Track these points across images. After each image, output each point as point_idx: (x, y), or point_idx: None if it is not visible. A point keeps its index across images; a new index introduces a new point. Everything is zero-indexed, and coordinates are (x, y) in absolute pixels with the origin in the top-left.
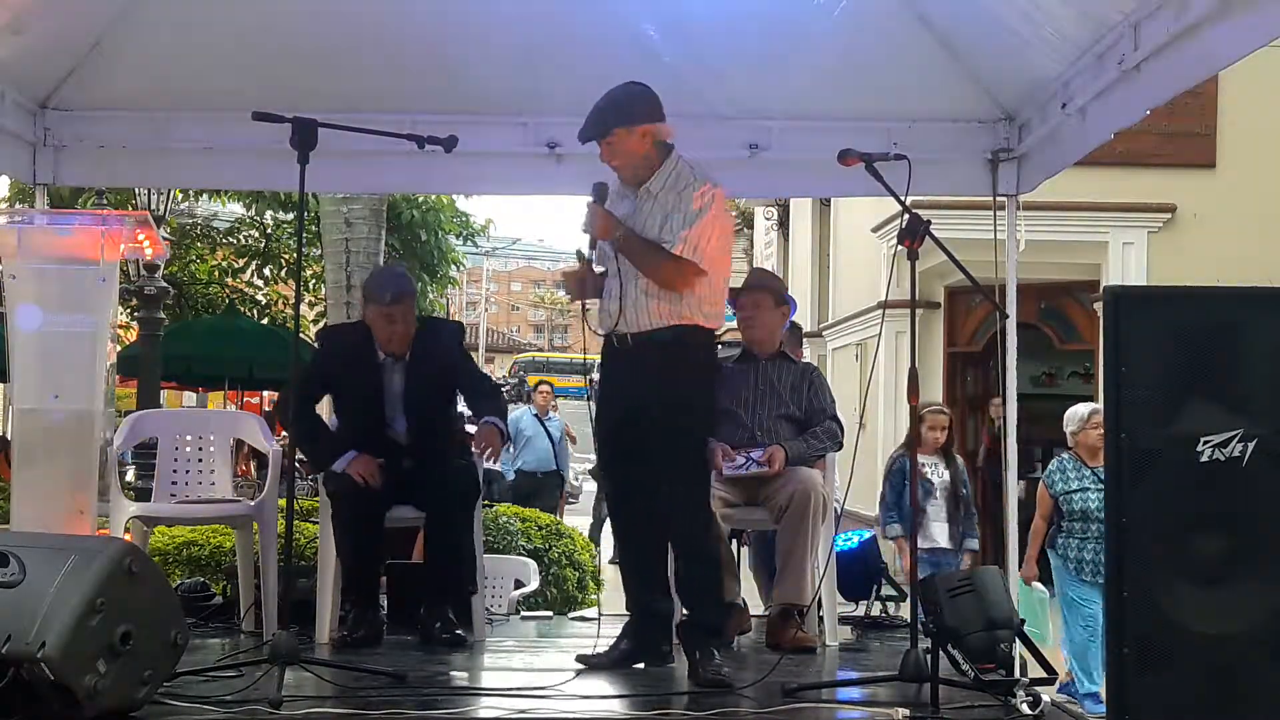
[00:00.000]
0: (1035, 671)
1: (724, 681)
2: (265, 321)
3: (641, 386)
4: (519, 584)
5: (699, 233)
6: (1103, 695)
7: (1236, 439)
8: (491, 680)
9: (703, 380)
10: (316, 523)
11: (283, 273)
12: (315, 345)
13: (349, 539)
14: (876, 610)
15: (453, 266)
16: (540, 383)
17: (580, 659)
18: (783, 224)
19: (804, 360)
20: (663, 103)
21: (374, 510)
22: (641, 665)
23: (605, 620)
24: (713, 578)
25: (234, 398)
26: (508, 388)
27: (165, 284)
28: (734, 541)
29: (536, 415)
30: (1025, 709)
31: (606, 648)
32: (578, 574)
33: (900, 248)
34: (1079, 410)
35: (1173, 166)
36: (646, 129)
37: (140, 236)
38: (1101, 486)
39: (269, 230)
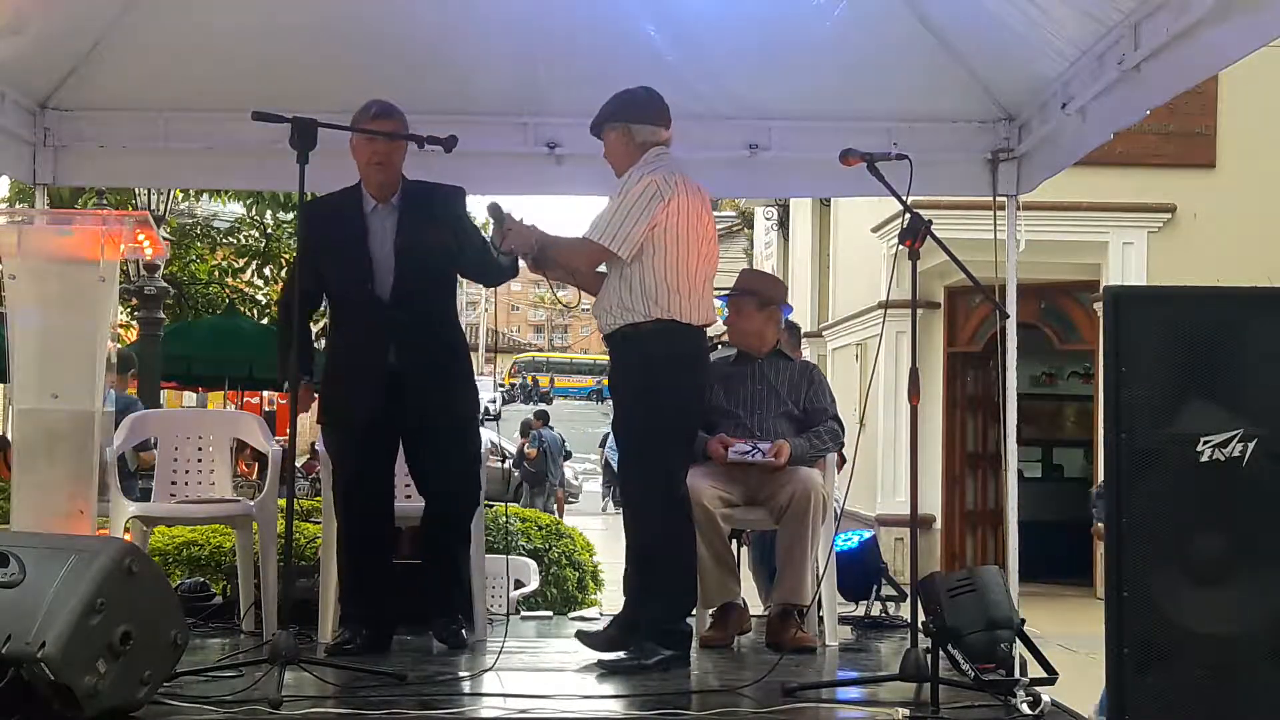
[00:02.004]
0: (1035, 671)
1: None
2: (265, 321)
3: (611, 387)
4: (519, 584)
5: (613, 217)
6: None
7: (1236, 439)
8: (491, 680)
9: (649, 375)
10: (317, 523)
11: (283, 273)
12: (302, 226)
13: (355, 546)
14: (876, 610)
15: None
16: None
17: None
18: (783, 224)
19: (803, 359)
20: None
21: (383, 517)
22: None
23: (606, 620)
24: (647, 577)
25: (234, 398)
26: (508, 388)
27: (165, 284)
28: (734, 541)
29: None
30: (1025, 709)
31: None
32: (578, 574)
33: (901, 247)
34: None
35: (1173, 166)
36: (627, 128)
37: (140, 236)
38: None
39: (269, 230)
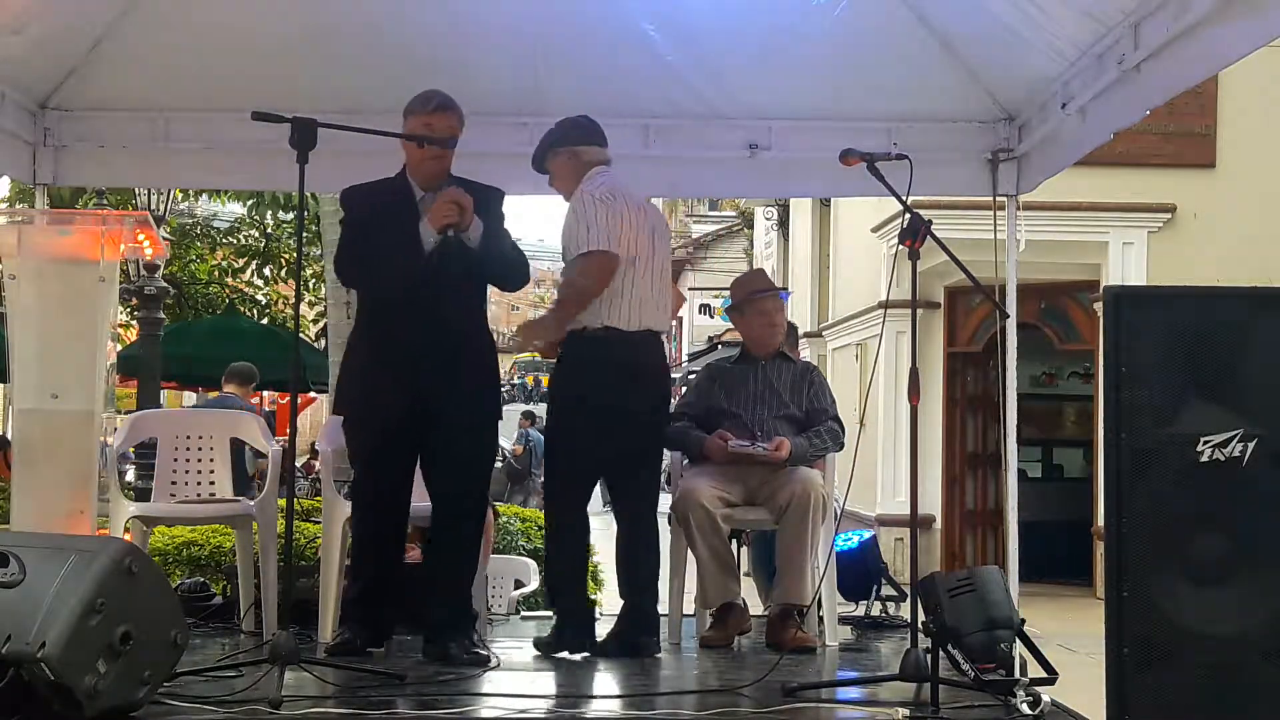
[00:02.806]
0: (1035, 671)
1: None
2: (265, 321)
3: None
4: (519, 584)
5: (589, 229)
6: None
7: (1236, 439)
8: (492, 680)
9: (580, 378)
10: (317, 522)
11: (283, 273)
12: (341, 209)
13: (371, 548)
14: (876, 610)
15: None
16: None
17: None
18: (783, 224)
19: (804, 361)
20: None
21: (402, 519)
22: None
23: (605, 620)
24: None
25: None
26: (508, 387)
27: (165, 284)
28: (734, 541)
29: None
30: (1025, 709)
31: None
32: None
33: (901, 247)
34: None
35: (1173, 166)
36: (573, 151)
37: (140, 236)
38: None
39: (269, 230)
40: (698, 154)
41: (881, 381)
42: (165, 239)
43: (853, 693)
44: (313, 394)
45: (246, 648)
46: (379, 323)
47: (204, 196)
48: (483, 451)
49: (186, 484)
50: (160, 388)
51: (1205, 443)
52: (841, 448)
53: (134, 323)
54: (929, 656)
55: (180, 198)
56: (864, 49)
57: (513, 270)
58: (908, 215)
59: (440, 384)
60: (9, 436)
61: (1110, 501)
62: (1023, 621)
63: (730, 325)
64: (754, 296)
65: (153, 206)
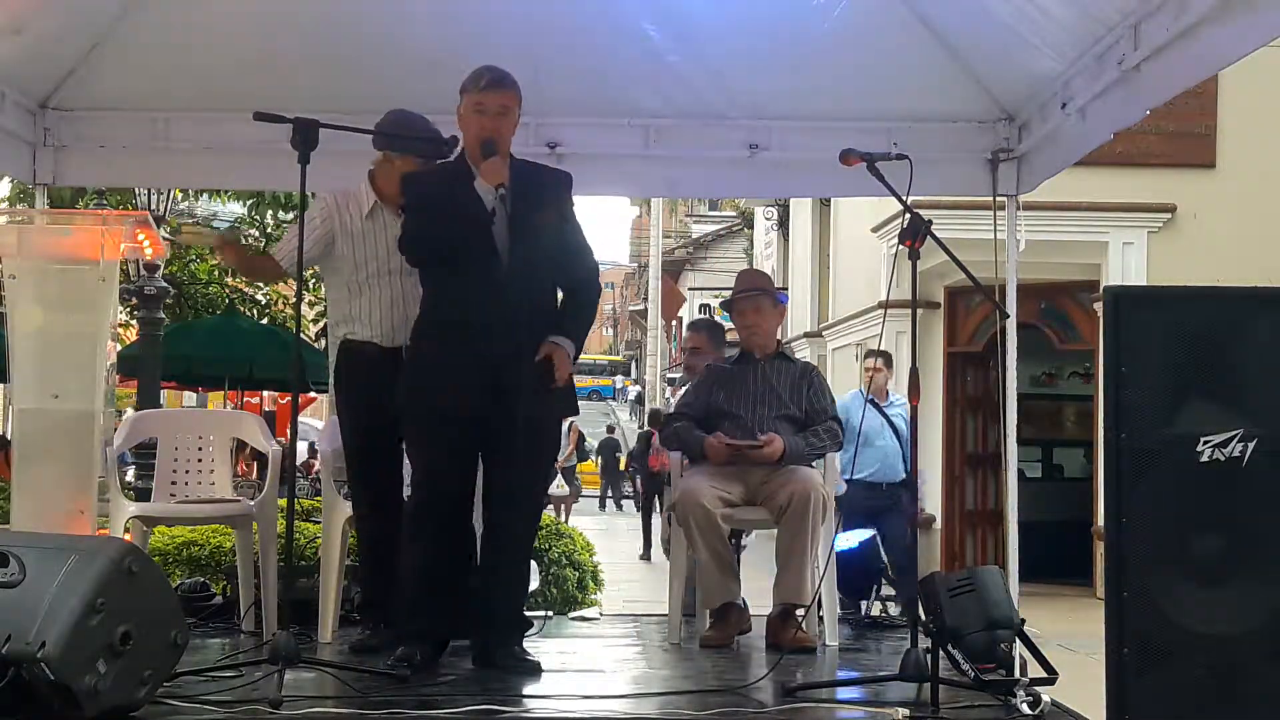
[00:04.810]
0: (1035, 671)
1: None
2: (265, 321)
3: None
4: None
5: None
6: None
7: (1236, 439)
8: (491, 680)
9: None
10: (317, 522)
11: None
12: (403, 194)
13: (435, 558)
14: (876, 610)
15: None
16: (871, 354)
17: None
18: (783, 224)
19: (803, 361)
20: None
21: (468, 525)
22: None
23: (606, 620)
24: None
25: (234, 398)
26: None
27: (165, 284)
28: (733, 540)
29: (873, 400)
30: (1025, 709)
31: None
32: (578, 574)
33: (901, 247)
34: None
35: (1173, 166)
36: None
37: (140, 236)
38: None
39: (269, 230)
40: (698, 154)
41: None
42: (165, 239)
43: (853, 693)
44: (313, 394)
45: (246, 648)
46: (453, 305)
47: (204, 196)
48: (551, 447)
49: (186, 484)
50: (160, 388)
51: (1205, 443)
52: (840, 447)
53: (134, 323)
54: (929, 656)
55: (180, 198)
56: (864, 49)
57: (579, 267)
58: (908, 215)
59: (523, 371)
60: (9, 436)
61: (1110, 501)
62: (1023, 621)
63: (730, 325)
64: (735, 297)
65: (153, 206)
